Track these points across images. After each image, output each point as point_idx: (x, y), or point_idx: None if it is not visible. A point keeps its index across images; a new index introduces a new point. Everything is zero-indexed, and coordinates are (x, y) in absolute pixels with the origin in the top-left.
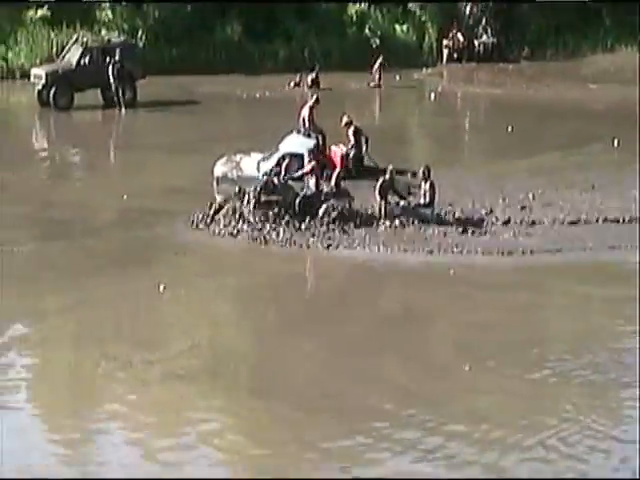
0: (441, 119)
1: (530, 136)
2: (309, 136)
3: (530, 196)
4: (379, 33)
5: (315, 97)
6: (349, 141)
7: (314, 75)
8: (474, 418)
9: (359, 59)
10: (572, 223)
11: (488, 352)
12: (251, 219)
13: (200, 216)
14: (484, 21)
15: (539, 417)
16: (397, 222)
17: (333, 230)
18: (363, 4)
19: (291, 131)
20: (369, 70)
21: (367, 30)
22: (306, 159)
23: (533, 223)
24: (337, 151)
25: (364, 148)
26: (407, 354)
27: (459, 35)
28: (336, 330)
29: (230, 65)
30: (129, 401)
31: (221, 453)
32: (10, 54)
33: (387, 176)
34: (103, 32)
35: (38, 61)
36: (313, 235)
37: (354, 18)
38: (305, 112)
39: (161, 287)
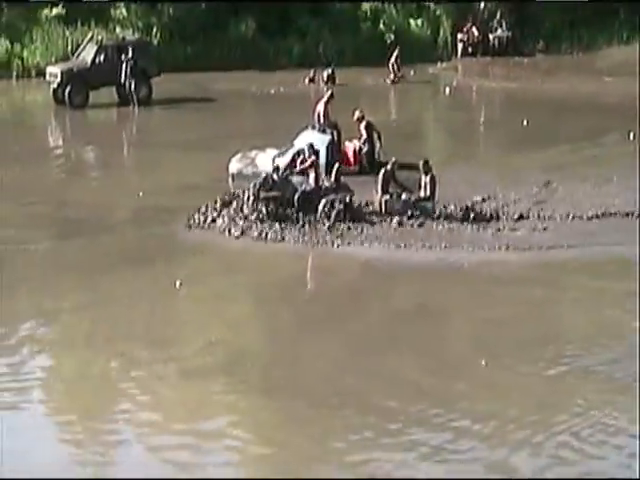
0: (456, 113)
1: (545, 130)
2: (324, 132)
3: (545, 190)
4: (393, 28)
5: (330, 92)
6: (361, 136)
7: (330, 71)
8: (487, 414)
9: (373, 54)
10: (589, 218)
11: (503, 348)
12: (250, 216)
13: (202, 216)
14: (499, 15)
15: (553, 413)
16: (397, 217)
17: (335, 226)
18: None
19: (306, 127)
20: (386, 66)
21: (381, 25)
22: (303, 156)
23: (548, 218)
24: (350, 146)
25: (377, 143)
26: (421, 350)
27: (474, 29)
28: (350, 327)
29: (244, 62)
30: (144, 399)
31: (235, 452)
32: (25, 53)
33: (389, 167)
34: (118, 30)
35: (53, 59)
36: (316, 232)
37: (368, 13)
38: (320, 108)
39: (177, 283)
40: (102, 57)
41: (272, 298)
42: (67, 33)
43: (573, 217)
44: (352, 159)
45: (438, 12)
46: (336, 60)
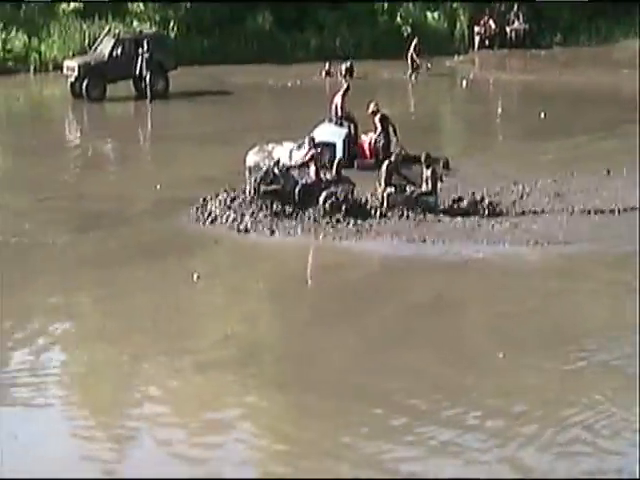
0: (473, 106)
1: (563, 122)
2: (341, 125)
3: (563, 183)
4: (410, 21)
5: (346, 85)
6: (376, 129)
7: (348, 64)
8: (503, 408)
9: (390, 48)
10: (604, 212)
11: (521, 341)
12: (251, 209)
13: (207, 211)
14: (516, 7)
15: (569, 407)
16: (398, 210)
17: (338, 220)
18: None
19: (323, 120)
20: (404, 58)
21: (398, 18)
22: (304, 150)
23: (565, 211)
24: (366, 140)
25: (393, 136)
26: (437, 344)
27: (491, 22)
28: (364, 321)
29: (261, 55)
30: (158, 392)
31: (248, 446)
32: (43, 47)
33: (392, 160)
34: (135, 24)
35: (71, 53)
36: (325, 226)
37: (385, 6)
38: (337, 100)
39: (195, 276)
40: (119, 51)
41: (285, 292)
42: (84, 27)
43: (588, 211)
44: (368, 152)
45: (455, 5)
46: (353, 53)
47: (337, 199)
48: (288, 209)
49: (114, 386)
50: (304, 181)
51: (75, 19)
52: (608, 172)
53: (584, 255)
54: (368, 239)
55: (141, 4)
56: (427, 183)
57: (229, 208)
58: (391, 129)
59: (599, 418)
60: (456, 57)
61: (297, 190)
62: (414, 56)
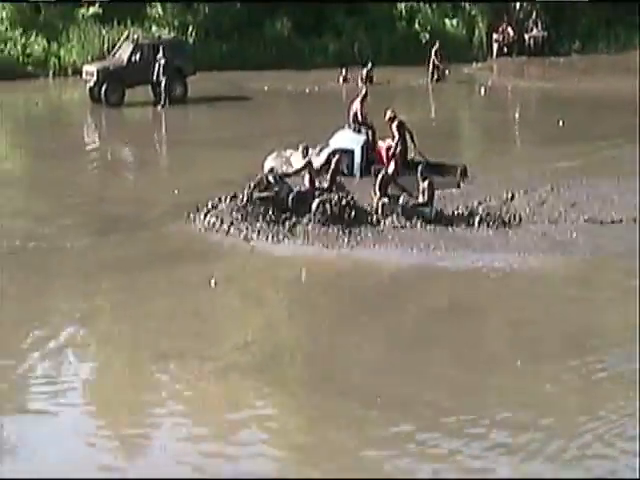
0: (491, 113)
1: (581, 129)
2: (359, 132)
3: (580, 191)
4: (429, 28)
5: (364, 92)
6: (394, 136)
7: (369, 66)
8: (522, 420)
9: (409, 54)
10: (620, 221)
11: (539, 349)
12: (239, 216)
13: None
14: (534, 14)
15: (587, 418)
16: (393, 220)
17: (327, 226)
18: None
19: (342, 126)
20: (426, 65)
21: (417, 25)
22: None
23: (583, 219)
24: (383, 146)
25: (410, 142)
26: (457, 351)
27: (509, 29)
28: (383, 327)
29: (280, 60)
30: (182, 396)
31: (275, 449)
32: (62, 51)
33: (389, 170)
34: (154, 29)
35: (90, 58)
36: (323, 232)
37: (403, 13)
38: (356, 106)
39: (212, 282)
40: (138, 56)
41: (301, 298)
42: (103, 32)
43: (601, 221)
44: (385, 159)
45: (473, 12)
46: (371, 59)
47: (330, 206)
48: (283, 216)
49: (132, 392)
50: (298, 188)
51: (94, 24)
52: (618, 180)
53: (601, 263)
54: (374, 247)
55: (160, 9)
56: (423, 195)
57: (230, 214)
58: (408, 136)
59: (612, 429)
60: (474, 64)
61: (291, 197)
62: (436, 62)
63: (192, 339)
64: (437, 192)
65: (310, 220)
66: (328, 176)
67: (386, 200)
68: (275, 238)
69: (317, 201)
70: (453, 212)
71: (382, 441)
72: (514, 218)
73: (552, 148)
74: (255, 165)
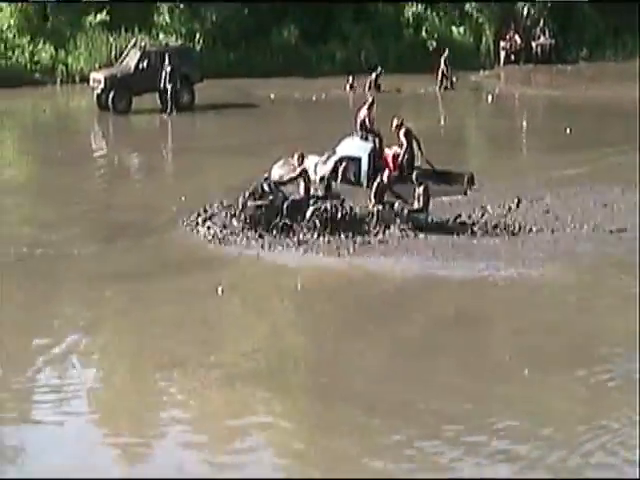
0: (498, 121)
1: (589, 137)
2: (366, 139)
3: (589, 199)
4: (436, 35)
5: (371, 99)
6: (402, 144)
7: (379, 70)
8: (532, 421)
9: (415, 62)
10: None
11: (546, 358)
12: (240, 225)
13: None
14: (542, 22)
15: (597, 421)
16: (390, 227)
17: (321, 234)
18: (420, 6)
19: (349, 134)
20: (435, 73)
21: (424, 32)
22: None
23: (589, 228)
24: (389, 153)
25: (417, 150)
26: (463, 358)
27: (516, 37)
28: (390, 335)
29: (287, 68)
30: (188, 404)
31: (280, 457)
32: (70, 58)
33: (384, 179)
34: (161, 36)
35: (97, 65)
36: (331, 242)
37: (410, 20)
38: (363, 114)
39: (219, 289)
40: (145, 63)
41: (307, 306)
42: (111, 39)
43: (611, 230)
44: (392, 166)
45: (480, 20)
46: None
47: (324, 214)
48: (280, 224)
49: (136, 399)
50: (292, 196)
51: (102, 31)
52: (623, 187)
53: (606, 271)
54: (378, 255)
55: (167, 17)
56: (418, 200)
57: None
58: (415, 144)
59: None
60: (482, 72)
61: (285, 205)
62: (445, 70)
63: (197, 346)
64: (443, 200)
65: (306, 228)
66: (337, 182)
67: (381, 207)
68: (276, 247)
69: (311, 209)
70: (456, 219)
71: (385, 449)
72: (519, 226)
73: (559, 155)
74: (262, 172)
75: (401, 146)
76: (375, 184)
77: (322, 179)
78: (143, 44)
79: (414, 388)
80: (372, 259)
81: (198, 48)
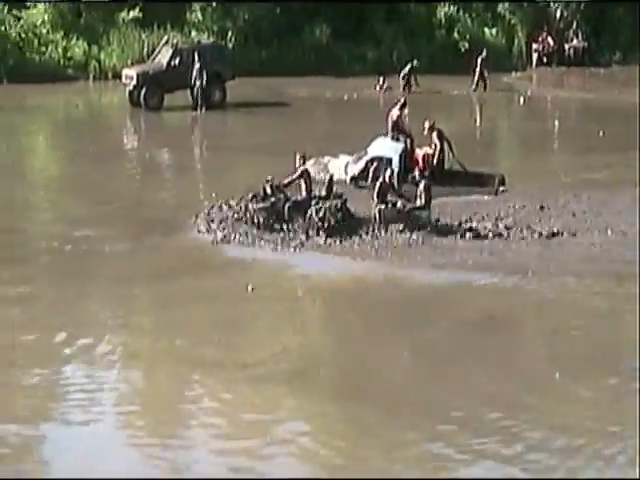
0: (530, 123)
1: (621, 141)
2: (397, 139)
3: (620, 203)
4: (468, 37)
5: (403, 100)
6: (435, 146)
7: (408, 69)
8: (559, 426)
9: (447, 63)
10: None
11: (576, 360)
12: (235, 225)
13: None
14: (575, 25)
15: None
16: (393, 226)
17: (344, 237)
18: (452, 7)
19: (382, 134)
20: (472, 73)
21: (456, 33)
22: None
23: (620, 232)
24: (420, 153)
25: (448, 151)
26: (491, 361)
27: (549, 39)
28: (417, 337)
29: (318, 67)
30: (215, 404)
31: (306, 459)
32: (103, 55)
33: (386, 178)
34: (193, 34)
35: (129, 62)
36: (352, 243)
37: (443, 21)
38: (394, 114)
39: (249, 288)
40: (177, 60)
41: (333, 308)
42: (143, 36)
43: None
44: (422, 166)
45: (513, 21)
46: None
47: (325, 215)
48: (284, 226)
49: (168, 398)
50: (294, 197)
51: (134, 28)
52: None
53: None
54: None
55: (199, 14)
56: (420, 198)
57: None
58: (446, 144)
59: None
60: (514, 73)
61: (287, 207)
62: (485, 72)
63: (224, 347)
64: (472, 199)
65: (308, 228)
66: (326, 186)
67: (383, 207)
68: (285, 248)
69: (313, 209)
70: (483, 219)
71: (408, 451)
72: (547, 229)
73: (591, 158)
74: (292, 171)
75: (435, 147)
76: (378, 184)
77: (353, 179)
78: (175, 41)
79: (438, 391)
80: (388, 259)
81: (230, 46)
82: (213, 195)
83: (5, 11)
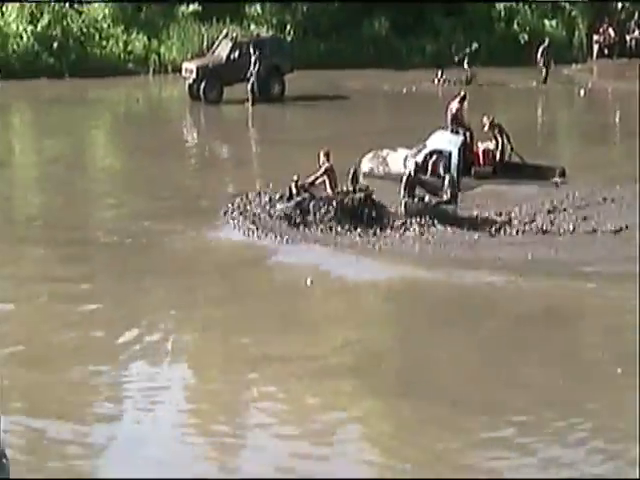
0: (590, 116)
1: None
2: (457, 133)
3: None
4: (528, 28)
5: (463, 93)
6: (497, 141)
7: (468, 50)
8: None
9: (507, 54)
10: None
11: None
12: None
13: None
14: (636, 16)
15: None
16: (416, 219)
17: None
18: None
19: (441, 127)
20: (535, 64)
21: (515, 26)
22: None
23: None
24: (481, 147)
25: (507, 144)
26: (554, 358)
27: (610, 30)
28: (478, 332)
29: (377, 60)
30: (277, 397)
31: (366, 452)
32: (162, 48)
33: (413, 171)
34: (252, 27)
35: (189, 55)
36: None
37: (502, 14)
38: (453, 107)
39: (309, 281)
40: (237, 53)
41: (393, 302)
42: (203, 30)
43: None
44: (482, 160)
45: (573, 13)
46: (469, 59)
47: (350, 209)
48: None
49: (228, 392)
50: (320, 195)
51: (194, 22)
52: None
53: None
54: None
55: (259, 8)
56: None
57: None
58: (505, 138)
59: None
60: (574, 65)
61: (312, 205)
62: (547, 62)
63: (286, 340)
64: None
65: (332, 223)
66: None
67: (409, 200)
68: (326, 245)
69: (335, 205)
70: (542, 212)
71: (471, 446)
72: (611, 224)
73: None
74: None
75: (496, 143)
76: (404, 178)
77: (412, 172)
78: (235, 34)
79: (501, 387)
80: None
81: (289, 39)
82: (269, 189)
83: (67, 6)
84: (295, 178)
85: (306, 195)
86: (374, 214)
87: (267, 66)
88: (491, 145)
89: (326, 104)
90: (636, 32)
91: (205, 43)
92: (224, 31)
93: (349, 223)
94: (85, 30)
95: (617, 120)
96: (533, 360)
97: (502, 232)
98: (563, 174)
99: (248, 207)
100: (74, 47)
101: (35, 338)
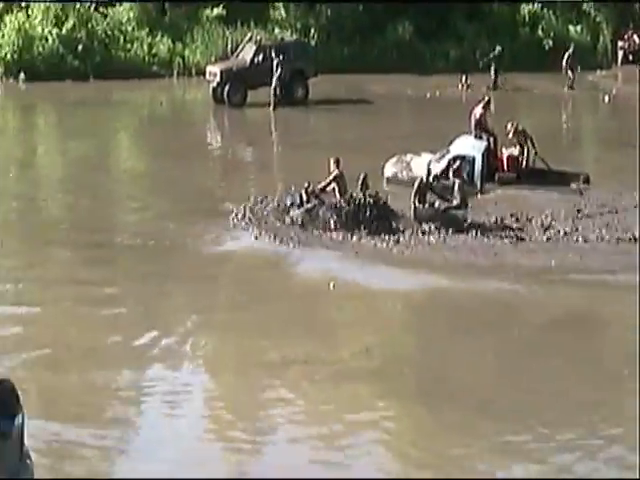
0: (614, 122)
1: None
2: (480, 138)
3: None
4: (552, 34)
5: (487, 99)
6: (522, 148)
7: (492, 55)
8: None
9: (531, 60)
10: None
11: None
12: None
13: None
14: None
15: None
16: (426, 225)
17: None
18: (536, 4)
19: (465, 133)
20: (560, 70)
21: (540, 31)
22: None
23: None
24: (505, 153)
25: (531, 149)
26: (578, 362)
27: (635, 36)
28: (501, 337)
29: (401, 64)
30: (296, 401)
31: (386, 457)
32: (187, 52)
33: (424, 179)
34: (276, 31)
35: (213, 59)
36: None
37: (527, 19)
38: (477, 113)
39: (331, 285)
40: (261, 57)
41: (414, 306)
42: (227, 33)
43: None
44: (506, 166)
45: (598, 19)
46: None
47: (357, 214)
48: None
49: (248, 395)
50: (329, 201)
51: (218, 25)
52: None
53: None
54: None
55: (283, 11)
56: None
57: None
58: (529, 143)
59: None
60: (598, 71)
61: (321, 211)
62: (572, 67)
63: (305, 344)
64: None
65: (340, 228)
66: (360, 185)
67: (419, 205)
68: (346, 252)
69: (345, 210)
70: (497, 220)
71: (493, 451)
72: (628, 230)
73: None
74: (374, 169)
75: (520, 148)
76: (416, 184)
77: (435, 178)
78: (259, 38)
79: (523, 392)
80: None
81: (313, 43)
82: (290, 192)
83: (92, 9)
84: (306, 185)
85: (316, 201)
86: (383, 219)
87: (291, 70)
88: (515, 151)
89: (349, 108)
90: None
91: (229, 46)
92: (248, 35)
93: (359, 229)
94: (110, 33)
95: None
96: (555, 368)
97: (524, 238)
98: (587, 181)
99: (266, 211)
100: (99, 50)
101: (59, 341)
